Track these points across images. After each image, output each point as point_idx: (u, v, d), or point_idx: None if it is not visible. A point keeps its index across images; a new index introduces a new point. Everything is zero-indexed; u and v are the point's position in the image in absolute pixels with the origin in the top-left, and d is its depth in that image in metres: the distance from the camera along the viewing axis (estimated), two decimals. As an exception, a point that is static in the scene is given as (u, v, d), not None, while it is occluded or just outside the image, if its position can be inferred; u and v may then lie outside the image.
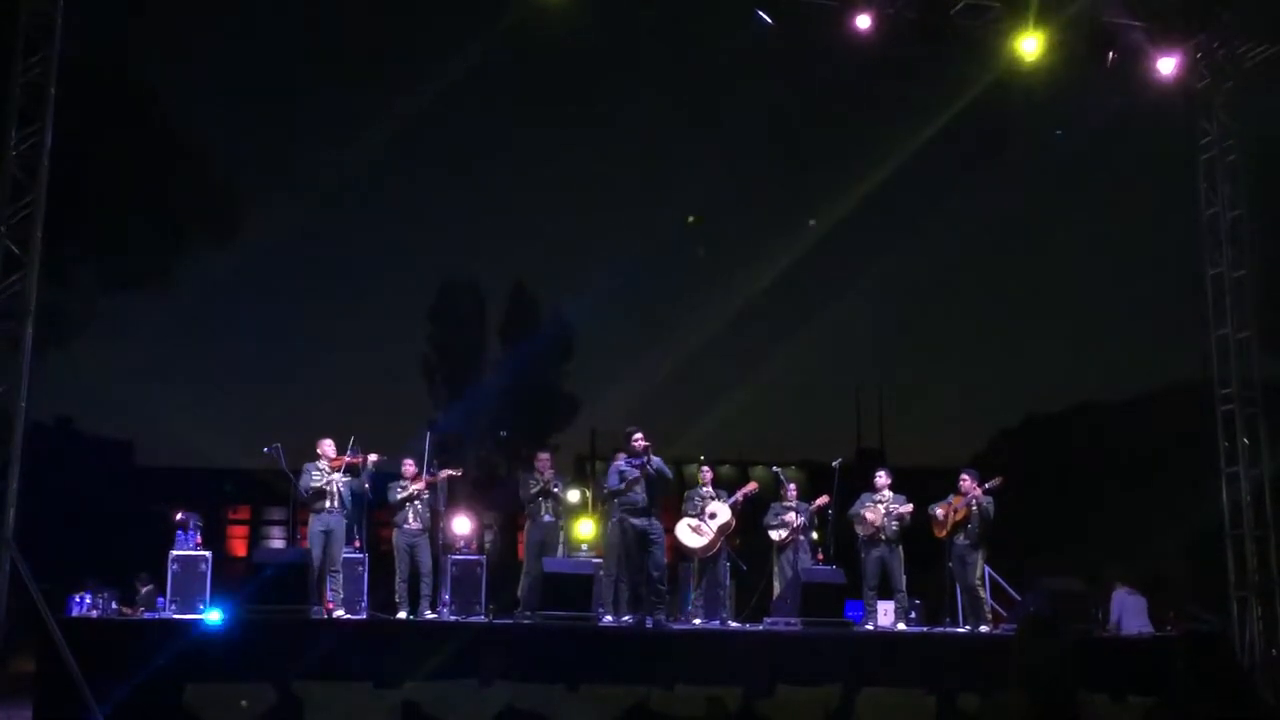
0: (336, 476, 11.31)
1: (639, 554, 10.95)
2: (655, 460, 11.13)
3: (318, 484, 11.25)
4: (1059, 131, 22.17)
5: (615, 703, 9.62)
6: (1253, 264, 12.93)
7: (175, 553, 11.37)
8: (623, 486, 11.08)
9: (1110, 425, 25.07)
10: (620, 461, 11.26)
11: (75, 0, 10.00)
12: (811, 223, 27.98)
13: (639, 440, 11.11)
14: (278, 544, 27.27)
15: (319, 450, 11.42)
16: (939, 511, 12.12)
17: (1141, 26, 12.58)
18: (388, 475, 12.16)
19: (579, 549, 14.26)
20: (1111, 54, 12.53)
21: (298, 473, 11.40)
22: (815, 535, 12.66)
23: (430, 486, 12.03)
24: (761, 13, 11.77)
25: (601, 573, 11.72)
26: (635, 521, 10.95)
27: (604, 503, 12.34)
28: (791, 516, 12.53)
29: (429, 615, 11.53)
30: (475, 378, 27.27)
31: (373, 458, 11.59)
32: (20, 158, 9.82)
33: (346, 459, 11.36)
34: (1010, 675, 4.03)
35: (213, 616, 10.11)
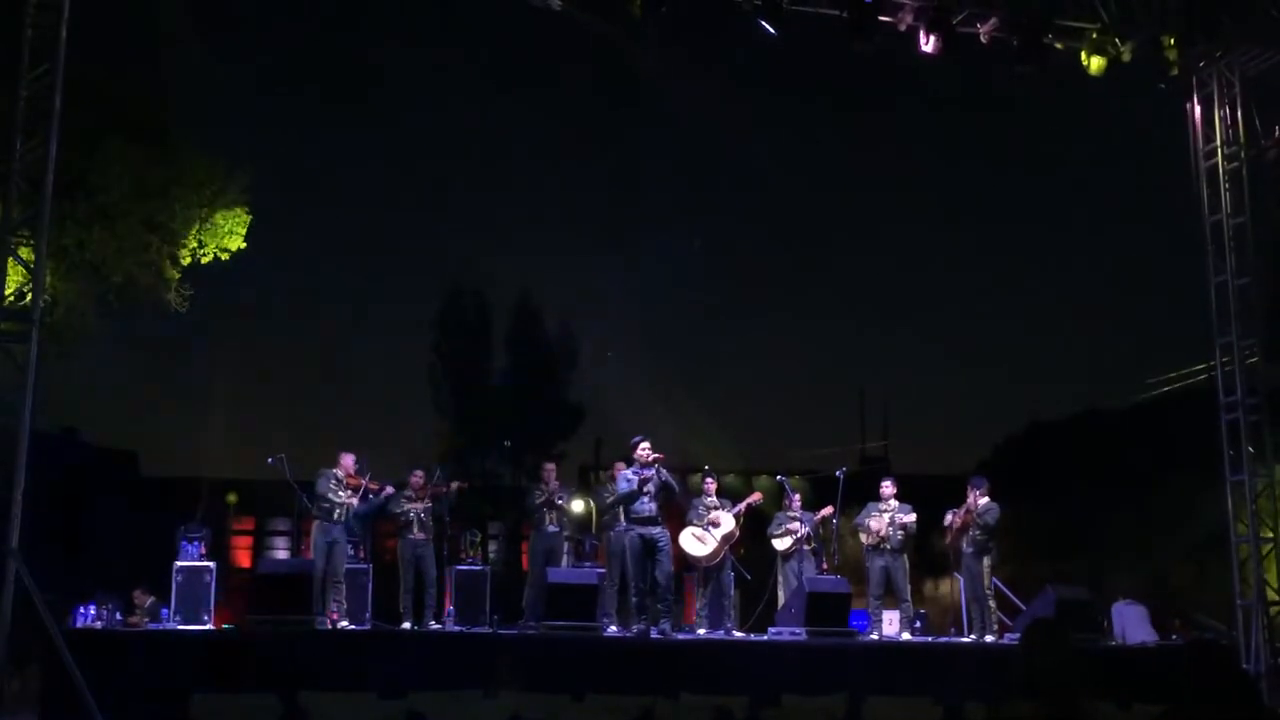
0: (347, 494, 11.34)
1: (646, 563, 10.94)
2: (664, 472, 11.12)
3: (334, 499, 11.27)
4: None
5: (621, 712, 9.60)
6: (1257, 271, 12.92)
7: (180, 563, 11.38)
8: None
9: (1114, 432, 24.99)
10: (627, 471, 11.25)
11: (79, 12, 10.02)
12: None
13: (645, 450, 11.09)
14: (282, 555, 27.29)
15: (340, 462, 11.45)
16: (947, 518, 12.16)
17: (1146, 34, 12.58)
18: (398, 485, 12.20)
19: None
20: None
21: (302, 483, 11.42)
22: (810, 547, 12.61)
23: (436, 497, 12.05)
24: (764, 23, 11.77)
25: (605, 582, 11.73)
26: (643, 531, 10.95)
27: (604, 513, 12.33)
28: (796, 526, 12.54)
29: (433, 625, 11.53)
30: (481, 387, 27.22)
31: (389, 490, 11.64)
32: (25, 169, 9.85)
33: (364, 482, 11.40)
34: (1016, 682, 4.02)
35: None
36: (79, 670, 8.77)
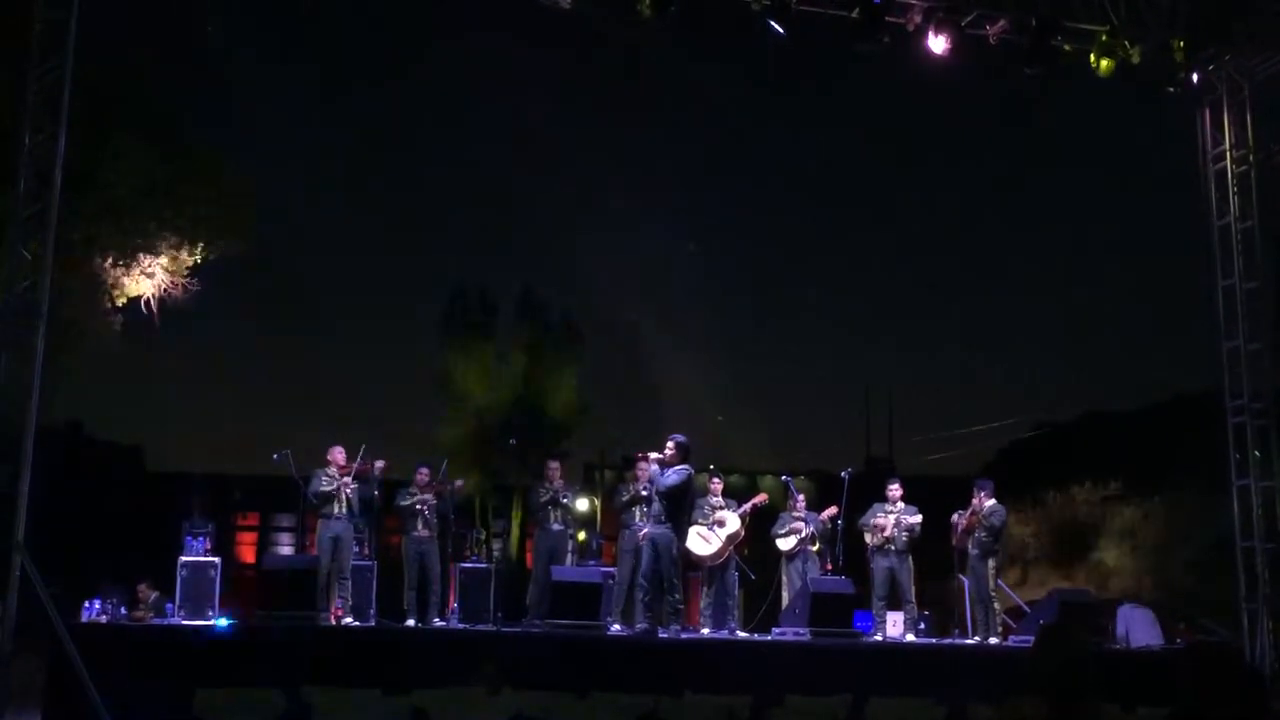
0: (346, 481, 11.33)
1: (650, 562, 10.94)
2: (652, 469, 11.08)
3: (326, 489, 11.27)
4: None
5: (624, 711, 9.59)
6: (1265, 275, 12.89)
7: (184, 558, 11.39)
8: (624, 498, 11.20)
9: (1120, 436, 24.99)
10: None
11: (90, 7, 10.04)
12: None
13: (669, 449, 11.00)
14: (286, 551, 27.30)
15: (329, 457, 11.45)
16: (954, 518, 12.15)
17: (1155, 36, 12.53)
18: (403, 482, 12.20)
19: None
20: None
21: (307, 478, 11.43)
22: (814, 547, 12.58)
23: (440, 494, 12.05)
24: (773, 23, 11.74)
25: (612, 581, 11.73)
26: (648, 530, 10.97)
27: (620, 512, 12.33)
28: (800, 526, 12.53)
29: (437, 622, 11.54)
30: (485, 384, 27.18)
31: (380, 464, 11.63)
32: (33, 163, 9.85)
33: (356, 466, 11.39)
34: (1025, 682, 4.01)
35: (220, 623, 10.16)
36: (83, 664, 8.78)
